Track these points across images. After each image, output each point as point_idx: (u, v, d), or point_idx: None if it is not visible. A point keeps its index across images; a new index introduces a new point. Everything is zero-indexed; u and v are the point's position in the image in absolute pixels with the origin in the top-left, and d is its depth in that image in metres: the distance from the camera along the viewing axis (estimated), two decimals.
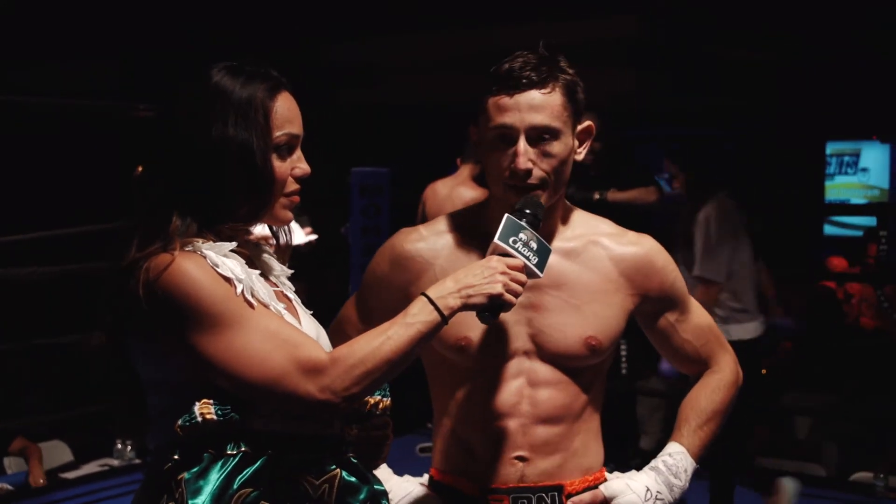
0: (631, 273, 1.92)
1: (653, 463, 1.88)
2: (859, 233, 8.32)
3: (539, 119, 1.80)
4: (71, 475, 4.83)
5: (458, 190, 5.29)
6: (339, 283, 5.80)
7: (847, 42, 7.14)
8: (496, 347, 1.86)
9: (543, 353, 1.87)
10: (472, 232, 1.90)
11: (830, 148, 9.74)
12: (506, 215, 1.70)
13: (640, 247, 1.94)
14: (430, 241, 1.92)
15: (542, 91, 1.80)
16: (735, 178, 4.63)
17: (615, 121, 5.43)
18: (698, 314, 2.02)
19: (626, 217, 5.08)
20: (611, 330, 1.89)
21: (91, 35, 6.40)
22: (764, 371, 5.88)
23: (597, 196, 5.06)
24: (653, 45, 7.53)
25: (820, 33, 7.14)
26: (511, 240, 1.67)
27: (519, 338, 1.87)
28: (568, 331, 1.86)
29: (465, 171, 5.39)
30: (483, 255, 1.73)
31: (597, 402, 1.94)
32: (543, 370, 1.87)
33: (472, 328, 1.83)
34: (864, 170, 9.70)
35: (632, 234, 1.97)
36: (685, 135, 10.19)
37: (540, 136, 1.80)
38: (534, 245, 1.68)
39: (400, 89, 7.55)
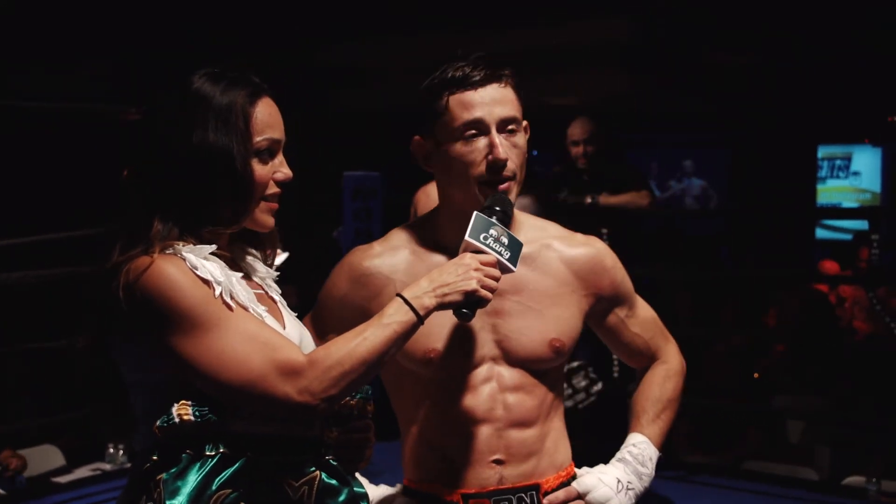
0: (584, 273, 1.96)
1: (619, 455, 1.93)
2: (851, 236, 8.33)
3: (505, 111, 1.84)
4: (63, 479, 4.81)
5: None
6: None
7: (839, 45, 7.16)
8: (464, 356, 1.88)
9: (510, 357, 1.90)
10: (426, 244, 1.94)
11: (822, 151, 9.76)
12: (475, 213, 1.72)
13: (591, 248, 1.99)
14: (386, 257, 1.94)
15: (500, 85, 1.85)
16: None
17: (608, 124, 5.44)
18: (644, 308, 2.08)
19: (619, 221, 5.13)
20: (572, 331, 1.94)
21: (85, 38, 6.39)
22: (756, 374, 5.89)
23: (588, 200, 5.07)
24: (646, 48, 7.54)
25: (812, 37, 7.15)
26: (482, 236, 1.69)
27: (485, 344, 1.89)
28: (533, 334, 1.89)
29: None
30: (439, 265, 1.77)
31: (559, 400, 1.98)
32: (511, 375, 1.90)
33: (438, 339, 1.85)
34: (856, 173, 9.73)
35: (580, 236, 2.01)
36: (679, 138, 10.23)
37: (506, 127, 1.85)
38: (505, 240, 1.71)
39: (393, 92, 7.55)
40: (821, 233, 9.57)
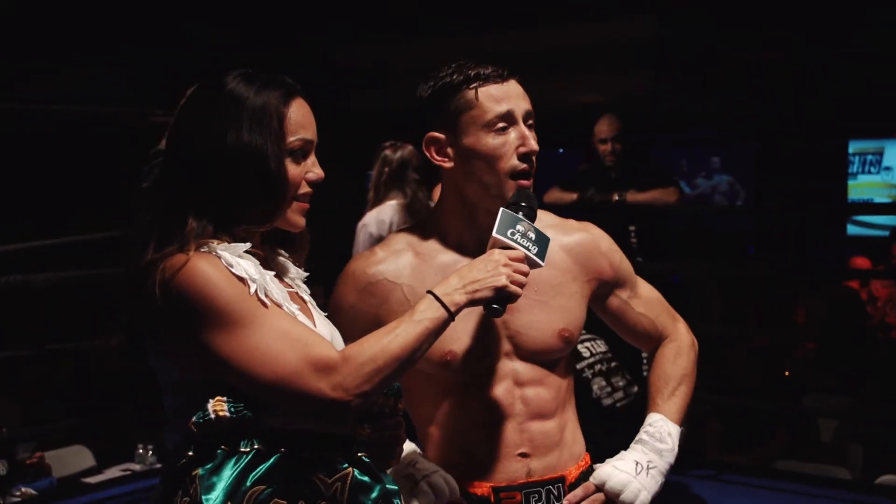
0: (582, 259, 1.97)
1: (637, 437, 1.94)
2: (884, 232, 8.24)
3: (528, 105, 1.88)
4: (93, 480, 4.85)
5: None
6: None
7: (870, 39, 7.08)
8: (480, 355, 1.89)
9: (522, 351, 1.91)
10: (430, 244, 1.94)
11: (853, 147, 9.66)
12: (501, 209, 1.73)
13: (586, 233, 2.01)
14: (390, 261, 1.94)
15: (517, 81, 1.89)
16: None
17: (634, 122, 5.40)
18: (647, 289, 2.08)
19: (646, 218, 5.09)
20: (577, 319, 1.95)
21: (104, 40, 6.42)
22: (786, 373, 5.84)
23: (616, 197, 5.03)
24: (672, 45, 7.50)
25: (842, 31, 7.08)
26: (509, 232, 1.70)
27: (499, 341, 1.91)
28: (542, 327, 1.91)
29: None
30: (446, 267, 1.84)
31: (571, 390, 2.00)
32: (525, 369, 1.91)
33: (454, 341, 1.86)
34: (888, 168, 9.62)
35: (573, 222, 2.03)
36: (706, 136, 10.17)
37: (528, 121, 1.87)
38: (532, 235, 1.72)
39: (413, 93, 7.52)
40: (852, 229, 9.47)
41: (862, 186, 9.65)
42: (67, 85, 6.49)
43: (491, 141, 1.85)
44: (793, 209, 8.36)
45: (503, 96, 1.85)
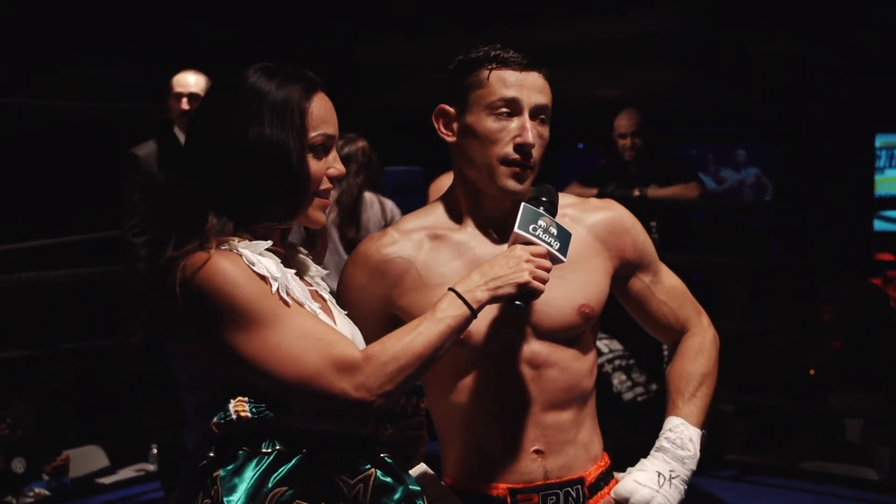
0: (604, 235, 1.94)
1: (657, 444, 1.89)
2: None
3: (542, 99, 1.85)
4: (107, 480, 4.86)
5: None
6: None
7: (895, 32, 6.98)
8: (494, 334, 1.85)
9: (539, 330, 1.87)
10: (443, 225, 1.92)
11: (880, 140, 9.55)
12: (523, 204, 1.72)
13: (609, 210, 1.98)
14: (404, 241, 1.91)
15: (541, 75, 1.86)
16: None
17: (655, 117, 5.33)
18: (671, 276, 2.04)
19: (667, 214, 5.02)
20: (600, 294, 1.91)
21: (119, 37, 6.42)
22: (812, 371, 5.75)
23: (636, 193, 4.96)
24: (693, 39, 7.43)
25: (866, 23, 6.99)
26: (531, 227, 1.69)
27: (515, 320, 1.86)
28: (560, 303, 1.86)
29: None
30: (460, 249, 1.85)
31: (592, 390, 1.95)
32: (542, 349, 1.87)
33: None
34: None
35: (595, 200, 2.00)
36: (731, 131, 10.09)
37: (538, 115, 1.85)
38: (553, 230, 1.71)
39: (433, 88, 7.50)
40: (879, 224, 9.35)
41: (889, 181, 9.54)
42: (82, 82, 6.48)
43: (490, 124, 1.82)
44: (818, 204, 8.26)
45: (515, 83, 1.82)
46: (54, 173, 6.11)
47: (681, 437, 1.88)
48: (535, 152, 1.83)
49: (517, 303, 1.65)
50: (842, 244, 8.55)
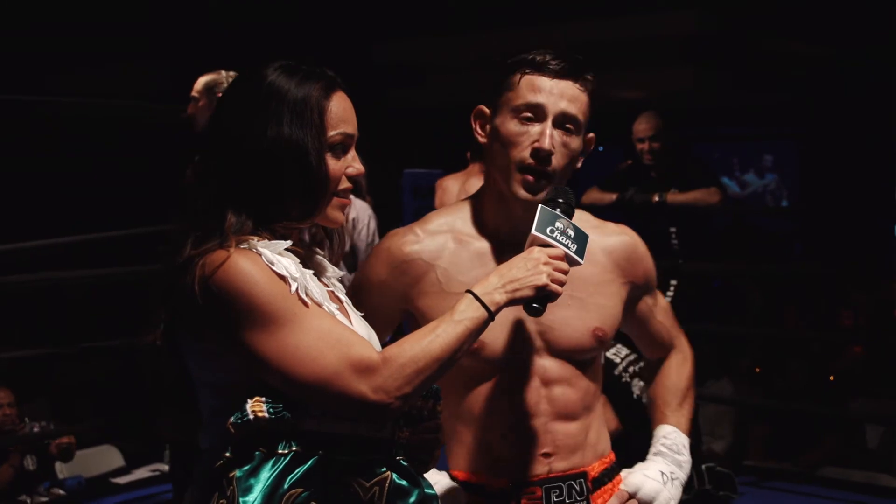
0: (622, 262, 1.97)
1: (654, 449, 1.98)
2: None
3: (569, 108, 1.83)
4: (122, 480, 4.87)
5: (468, 185, 5.15)
6: None
7: None
8: (511, 347, 1.87)
9: (553, 348, 1.89)
10: (468, 229, 1.92)
11: None
12: (539, 206, 1.71)
13: (626, 236, 2.01)
14: (428, 242, 1.91)
15: (577, 85, 1.84)
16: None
17: (674, 119, 5.28)
18: (661, 298, 2.11)
19: (687, 219, 4.96)
20: (614, 320, 1.95)
21: (142, 37, 6.44)
22: (832, 377, 5.70)
23: (656, 198, 4.90)
24: (712, 40, 7.39)
25: (885, 24, 6.93)
26: (548, 229, 1.68)
27: (529, 336, 1.88)
28: (576, 324, 1.89)
29: (475, 166, 5.25)
30: (483, 259, 1.86)
31: (599, 392, 1.99)
32: (554, 366, 1.89)
33: (486, 331, 1.78)
34: None
35: (612, 225, 2.03)
36: (753, 133, 10.04)
37: (564, 124, 1.83)
38: (571, 233, 1.70)
39: (454, 89, 7.50)
40: None
41: None
42: (103, 81, 6.51)
43: (513, 127, 1.82)
44: (838, 208, 8.20)
45: (543, 89, 1.81)
46: (77, 171, 6.15)
47: (676, 443, 1.98)
48: (556, 160, 1.81)
49: (535, 305, 1.64)
50: (863, 249, 8.48)
